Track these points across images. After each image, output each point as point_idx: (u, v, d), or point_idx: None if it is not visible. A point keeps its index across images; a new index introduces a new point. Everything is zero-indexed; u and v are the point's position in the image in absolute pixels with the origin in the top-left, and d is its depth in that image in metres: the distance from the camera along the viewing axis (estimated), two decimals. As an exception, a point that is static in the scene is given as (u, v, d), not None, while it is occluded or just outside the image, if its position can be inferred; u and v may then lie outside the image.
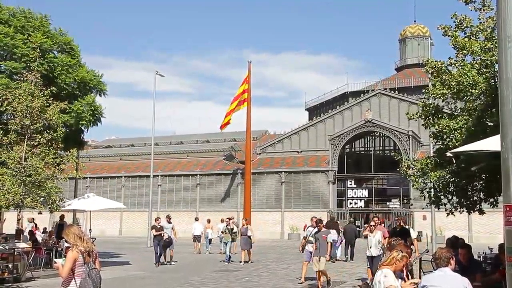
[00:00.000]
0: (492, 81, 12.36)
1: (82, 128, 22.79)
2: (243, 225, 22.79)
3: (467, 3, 13.38)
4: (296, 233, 45.27)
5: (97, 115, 22.58)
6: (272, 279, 16.43)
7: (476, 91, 12.45)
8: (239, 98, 46.42)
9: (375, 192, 47.48)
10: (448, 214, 15.08)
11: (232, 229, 23.67)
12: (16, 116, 17.52)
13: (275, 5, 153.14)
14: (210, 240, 28.74)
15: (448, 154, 8.36)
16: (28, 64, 19.36)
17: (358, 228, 30.95)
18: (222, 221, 27.95)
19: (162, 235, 21.29)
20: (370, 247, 13.96)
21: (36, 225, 26.80)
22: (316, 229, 14.74)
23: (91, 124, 22.61)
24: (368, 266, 14.65)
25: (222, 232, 24.37)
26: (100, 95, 23.55)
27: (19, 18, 22.05)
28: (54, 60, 21.64)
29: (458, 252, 9.50)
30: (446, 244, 11.82)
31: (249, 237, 21.92)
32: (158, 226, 21.55)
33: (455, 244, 10.99)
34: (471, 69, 12.60)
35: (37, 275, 16.68)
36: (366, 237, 14.68)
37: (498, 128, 5.49)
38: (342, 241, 24.02)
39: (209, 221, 30.24)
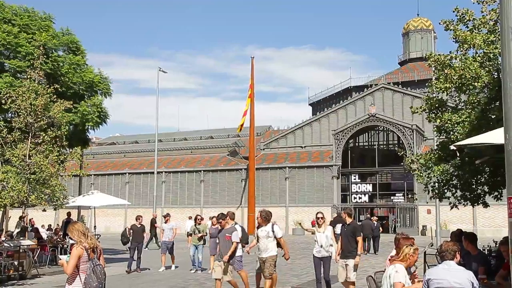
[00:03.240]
0: (496, 74, 12.31)
1: (88, 128, 22.99)
2: (213, 225, 17.02)
3: (469, -4, 13.32)
4: (301, 228, 45.38)
5: (103, 116, 22.81)
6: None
7: (479, 84, 12.41)
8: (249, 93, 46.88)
9: (379, 186, 47.43)
10: (451, 208, 15.05)
11: (199, 230, 18.08)
12: (20, 114, 17.55)
13: (278, 1, 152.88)
14: None
15: (452, 147, 8.32)
16: (32, 63, 19.43)
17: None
18: (210, 218, 26.45)
19: (144, 237, 18.14)
20: (321, 246, 11.30)
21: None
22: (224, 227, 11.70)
23: (97, 125, 22.85)
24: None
25: (189, 234, 18.70)
26: (106, 96, 23.78)
27: (22, 16, 22.10)
28: (59, 59, 21.74)
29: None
30: (451, 238, 11.77)
31: None
32: (138, 226, 18.10)
33: (460, 237, 10.94)
34: (473, 63, 12.55)
35: (43, 272, 16.74)
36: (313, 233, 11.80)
37: (502, 121, 5.46)
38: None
39: (190, 218, 32.06)
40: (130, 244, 18.09)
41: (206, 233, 18.08)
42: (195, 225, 18.39)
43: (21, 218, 22.71)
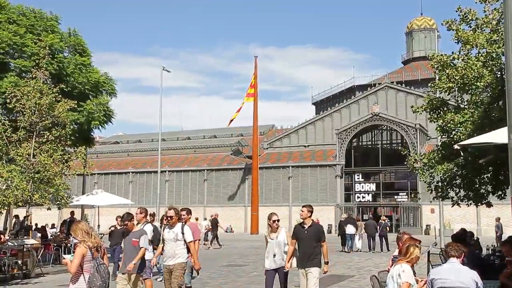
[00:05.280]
0: (499, 73, 12.29)
1: (93, 127, 23.17)
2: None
3: (472, -5, 13.32)
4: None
5: (108, 115, 23.02)
6: (280, 274, 16.41)
7: (482, 83, 12.40)
8: (247, 92, 46.86)
9: (382, 185, 47.39)
10: (453, 205, 15.03)
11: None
12: (24, 113, 17.61)
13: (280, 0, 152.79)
14: None
15: (456, 146, 8.32)
16: (37, 62, 19.53)
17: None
18: (205, 219, 32.60)
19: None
20: (274, 255, 9.12)
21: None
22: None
23: (104, 124, 23.04)
24: None
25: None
26: (111, 96, 24.03)
27: (29, 17, 22.21)
28: (64, 60, 21.88)
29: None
30: (452, 240, 11.75)
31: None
32: (118, 227, 15.82)
33: (463, 237, 10.93)
34: (476, 62, 12.54)
35: (46, 271, 16.77)
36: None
37: (504, 120, 5.46)
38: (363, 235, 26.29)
39: (197, 219, 33.45)
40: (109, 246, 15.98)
41: None
42: (160, 226, 14.74)
43: (16, 217, 22.77)
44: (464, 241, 9.36)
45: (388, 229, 27.55)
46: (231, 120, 47.36)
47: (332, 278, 15.12)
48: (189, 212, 10.02)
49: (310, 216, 8.94)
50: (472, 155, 11.60)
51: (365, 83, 58.10)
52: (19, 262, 15.23)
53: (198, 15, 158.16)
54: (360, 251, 25.23)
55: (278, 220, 9.26)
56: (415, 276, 6.67)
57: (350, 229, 25.01)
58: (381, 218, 29.24)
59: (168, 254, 8.91)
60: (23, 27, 21.43)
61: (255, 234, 42.79)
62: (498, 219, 27.86)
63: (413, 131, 44.42)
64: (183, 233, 8.85)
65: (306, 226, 8.86)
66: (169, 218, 8.95)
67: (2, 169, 16.93)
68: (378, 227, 26.37)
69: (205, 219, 34.58)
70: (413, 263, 6.23)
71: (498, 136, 7.04)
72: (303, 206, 8.96)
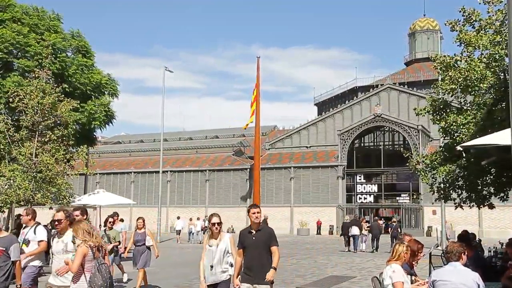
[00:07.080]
0: (502, 74, 12.26)
1: (95, 127, 23.27)
2: (138, 228, 12.81)
3: (476, -4, 13.29)
4: (306, 228, 45.41)
5: (109, 116, 23.12)
6: (281, 274, 16.41)
7: (485, 85, 12.36)
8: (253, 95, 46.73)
9: (384, 187, 47.36)
10: (456, 207, 15.01)
11: (108, 237, 12.95)
12: (27, 112, 17.63)
13: (282, 0, 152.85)
14: (192, 234, 34.00)
15: (458, 148, 8.30)
16: (40, 62, 19.58)
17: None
18: (198, 219, 35.83)
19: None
20: (212, 266, 7.03)
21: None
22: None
23: (104, 125, 23.13)
24: None
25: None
26: (113, 96, 24.14)
27: (32, 16, 22.28)
28: (67, 59, 21.96)
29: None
30: (458, 240, 11.70)
31: (148, 248, 12.91)
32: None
33: (466, 238, 10.92)
34: (479, 64, 12.50)
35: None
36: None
37: (507, 122, 5.44)
38: (366, 236, 27.24)
39: (191, 219, 36.65)
40: None
41: (119, 241, 13.82)
42: (104, 230, 13.33)
43: (18, 217, 22.78)
44: (468, 243, 9.33)
45: (399, 230, 28.07)
46: (247, 125, 47.21)
47: (333, 279, 15.11)
48: (84, 212, 8.08)
49: (260, 218, 7.08)
50: (474, 157, 11.57)
51: (367, 84, 58.01)
52: (21, 261, 15.23)
53: (199, 15, 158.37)
54: (363, 251, 25.80)
55: (219, 224, 7.16)
56: (416, 276, 6.66)
57: (354, 230, 26.00)
58: (392, 220, 30.27)
59: (55, 270, 6.87)
60: (27, 26, 21.51)
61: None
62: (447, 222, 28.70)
63: (415, 132, 44.38)
64: (74, 242, 6.58)
65: (253, 231, 6.93)
66: (56, 223, 6.92)
67: (5, 168, 16.96)
68: (389, 228, 27.09)
69: (198, 219, 36.49)
70: (403, 261, 6.22)
71: (500, 137, 7.03)
72: (254, 206, 7.02)
